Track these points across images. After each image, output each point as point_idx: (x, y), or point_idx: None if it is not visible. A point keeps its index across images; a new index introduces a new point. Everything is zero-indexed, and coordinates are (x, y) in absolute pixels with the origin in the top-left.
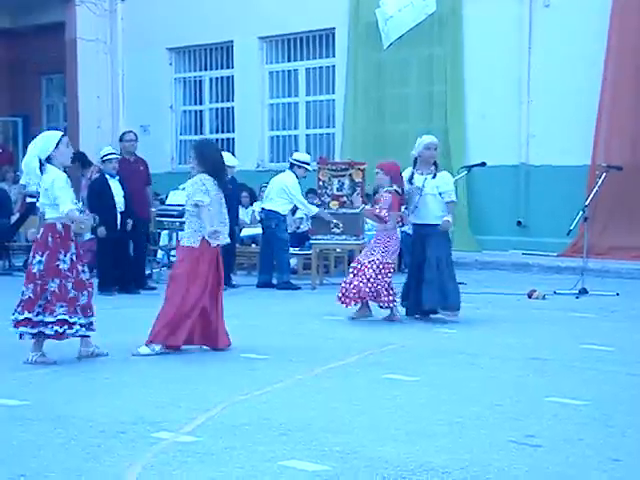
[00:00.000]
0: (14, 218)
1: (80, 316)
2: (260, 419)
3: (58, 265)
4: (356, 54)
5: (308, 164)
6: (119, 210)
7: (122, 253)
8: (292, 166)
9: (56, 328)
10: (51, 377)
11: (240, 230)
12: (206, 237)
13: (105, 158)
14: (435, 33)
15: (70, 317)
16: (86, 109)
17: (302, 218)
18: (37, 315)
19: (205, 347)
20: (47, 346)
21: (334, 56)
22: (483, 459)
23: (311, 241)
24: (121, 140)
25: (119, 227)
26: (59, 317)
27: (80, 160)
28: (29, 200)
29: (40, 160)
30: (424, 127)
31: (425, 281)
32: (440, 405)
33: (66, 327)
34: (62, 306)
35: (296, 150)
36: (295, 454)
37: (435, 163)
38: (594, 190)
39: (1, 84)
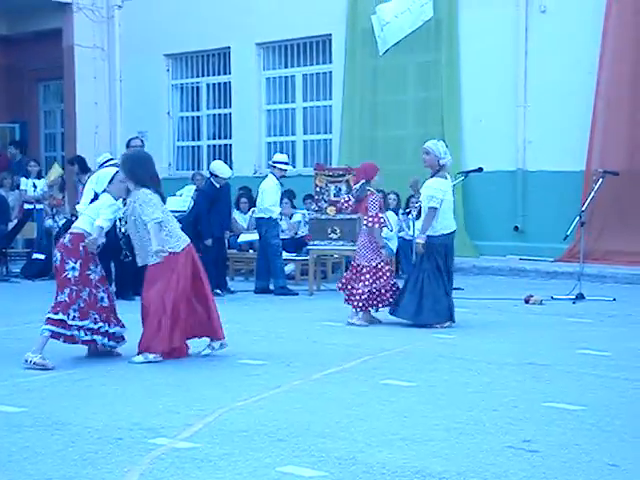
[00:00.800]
0: (12, 224)
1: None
2: (258, 425)
3: (89, 275)
4: (353, 60)
5: (285, 163)
6: (117, 216)
7: (120, 259)
8: (272, 169)
9: (86, 337)
10: (48, 383)
11: (238, 236)
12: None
13: (105, 165)
14: (432, 39)
15: (102, 326)
16: (83, 115)
17: (299, 222)
18: (73, 319)
19: (206, 353)
20: (46, 351)
21: (331, 62)
22: (480, 464)
23: (308, 247)
24: (127, 146)
25: (117, 233)
26: (90, 325)
27: (78, 164)
28: (26, 206)
29: (95, 193)
30: (421, 133)
31: (403, 290)
32: (437, 410)
33: (90, 335)
34: (94, 313)
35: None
36: (293, 460)
37: (439, 168)
38: (590, 195)
39: None
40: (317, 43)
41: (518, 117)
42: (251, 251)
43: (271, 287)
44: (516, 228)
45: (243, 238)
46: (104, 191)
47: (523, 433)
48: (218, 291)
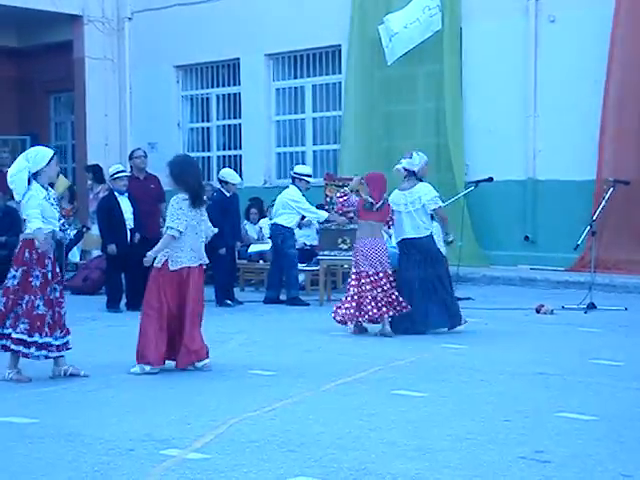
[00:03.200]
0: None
1: (44, 335)
2: (269, 436)
3: (31, 282)
4: (361, 70)
5: (309, 176)
6: (128, 227)
7: (131, 269)
8: (294, 180)
9: (19, 347)
10: (59, 395)
11: (248, 246)
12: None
13: (116, 176)
14: (440, 49)
15: (29, 336)
16: (94, 127)
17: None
18: (3, 328)
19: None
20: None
21: (340, 72)
22: (492, 475)
23: (318, 257)
24: (130, 158)
25: (129, 243)
26: (19, 335)
27: (94, 173)
28: None
29: (29, 173)
30: (430, 143)
31: None
32: (449, 421)
33: (21, 346)
34: (24, 322)
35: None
36: (305, 471)
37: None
38: (601, 205)
39: (10, 103)
40: (326, 54)
41: (528, 126)
42: (261, 262)
43: (282, 298)
44: (526, 238)
45: (253, 249)
46: (36, 173)
47: (535, 443)
48: (229, 302)
